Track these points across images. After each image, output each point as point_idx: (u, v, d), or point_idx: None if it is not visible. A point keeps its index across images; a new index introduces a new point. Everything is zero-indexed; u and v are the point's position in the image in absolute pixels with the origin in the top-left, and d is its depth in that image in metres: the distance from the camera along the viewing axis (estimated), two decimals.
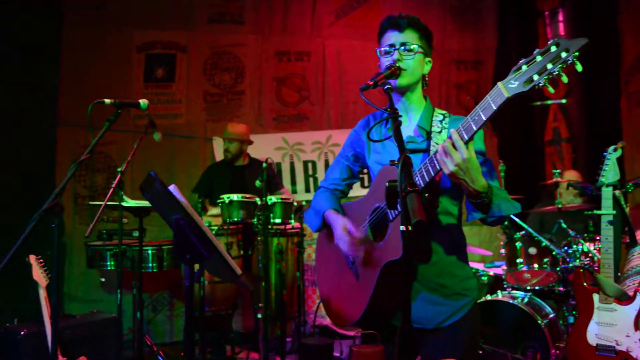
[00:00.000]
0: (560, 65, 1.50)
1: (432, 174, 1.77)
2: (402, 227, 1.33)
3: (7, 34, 5.10)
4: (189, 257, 1.86)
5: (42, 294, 3.23)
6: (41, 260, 3.31)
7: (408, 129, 2.09)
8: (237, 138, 5.06)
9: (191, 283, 1.86)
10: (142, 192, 1.98)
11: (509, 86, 1.57)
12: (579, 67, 1.48)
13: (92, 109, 2.67)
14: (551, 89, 1.55)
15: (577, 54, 1.47)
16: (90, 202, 5.02)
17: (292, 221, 4.48)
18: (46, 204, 2.30)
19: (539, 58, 1.54)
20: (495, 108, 1.59)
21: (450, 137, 1.67)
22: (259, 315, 3.85)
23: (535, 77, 1.53)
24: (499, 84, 1.59)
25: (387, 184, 1.43)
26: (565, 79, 1.50)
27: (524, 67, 1.56)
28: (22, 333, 3.29)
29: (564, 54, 1.49)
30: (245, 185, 4.90)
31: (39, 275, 3.26)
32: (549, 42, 1.53)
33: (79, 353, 3.40)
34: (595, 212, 3.38)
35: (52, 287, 2.86)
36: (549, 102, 6.13)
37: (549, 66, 1.51)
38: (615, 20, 5.85)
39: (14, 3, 5.13)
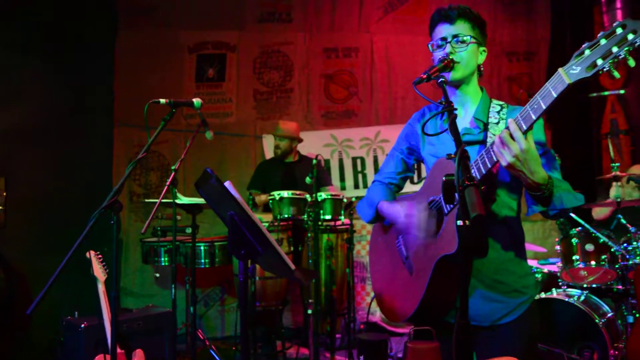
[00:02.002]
0: (627, 48, 1.42)
1: (489, 165, 1.72)
2: (459, 222, 1.31)
3: (63, 37, 5.30)
4: (244, 253, 1.88)
5: (101, 288, 3.35)
6: (100, 256, 3.43)
7: (464, 121, 2.05)
8: (288, 135, 5.11)
9: (246, 278, 1.89)
10: (197, 188, 2.03)
11: (571, 72, 1.51)
12: None
13: (142, 108, 2.75)
14: (616, 74, 1.47)
15: None
16: (145, 200, 5.17)
17: (342, 217, 4.48)
18: (106, 201, 2.38)
19: (603, 41, 1.46)
20: (555, 95, 1.53)
21: (507, 127, 1.62)
22: (309, 311, 3.87)
23: (600, 62, 1.46)
24: (560, 70, 1.53)
25: (444, 177, 1.41)
26: (632, 62, 1.43)
27: (587, 52, 1.49)
28: (83, 326, 3.42)
29: (630, 36, 1.41)
30: (296, 182, 4.94)
31: (97, 270, 3.38)
32: (614, 24, 1.45)
33: (136, 346, 3.50)
34: None
35: (111, 282, 2.96)
36: (606, 92, 5.91)
37: (614, 49, 1.44)
38: None
39: (69, 6, 5.32)
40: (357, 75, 6.15)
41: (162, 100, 2.77)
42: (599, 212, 4.64)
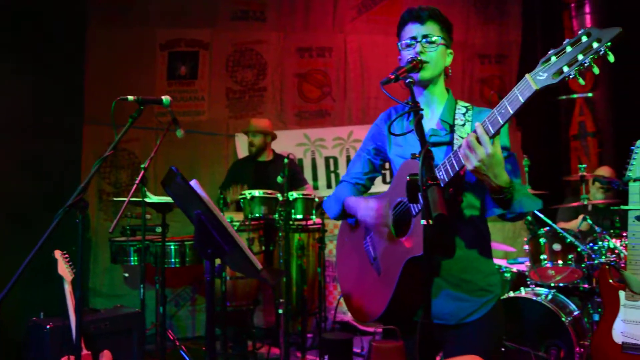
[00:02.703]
0: (591, 56, 1.44)
1: (457, 168, 1.74)
2: (423, 222, 1.32)
3: (32, 31, 5.18)
4: (210, 252, 1.86)
5: (68, 288, 3.29)
6: (66, 256, 3.36)
7: (431, 122, 2.07)
8: (261, 130, 5.08)
9: (212, 278, 1.87)
10: (164, 187, 2.00)
11: (538, 78, 1.53)
12: (611, 58, 1.42)
13: (116, 107, 2.71)
14: (581, 81, 1.49)
15: (609, 44, 1.42)
16: (115, 198, 5.09)
17: (314, 217, 4.48)
18: (71, 199, 2.34)
19: (569, 49, 1.49)
20: (522, 101, 1.55)
21: (475, 131, 1.64)
22: (280, 311, 3.86)
23: (565, 69, 1.48)
24: (527, 75, 1.55)
25: (407, 177, 1.42)
26: (596, 70, 1.45)
27: (553, 59, 1.51)
28: (48, 327, 3.35)
29: (595, 45, 1.44)
30: (269, 181, 4.91)
31: (64, 270, 3.31)
32: (580, 32, 1.47)
33: (103, 347, 3.45)
34: (622, 207, 3.31)
35: (77, 282, 2.91)
36: (575, 95, 6.02)
37: (580, 57, 1.46)
38: None
39: (39, 1, 5.20)
40: (331, 75, 6.16)
41: (130, 98, 2.73)
42: (574, 225, 4.71)
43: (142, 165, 3.68)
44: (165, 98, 2.91)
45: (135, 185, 3.58)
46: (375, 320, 2.05)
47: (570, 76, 1.49)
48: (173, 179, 1.79)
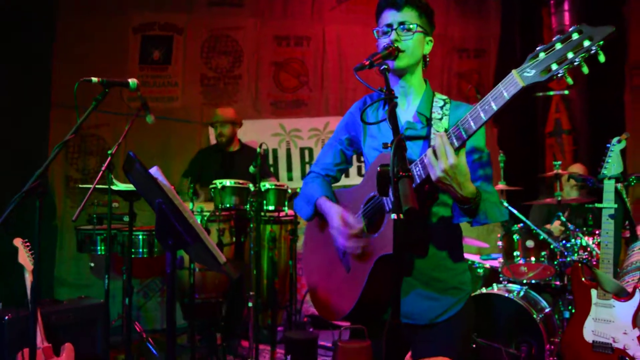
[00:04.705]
0: (582, 55, 1.37)
1: (423, 176, 1.68)
2: (394, 215, 1.24)
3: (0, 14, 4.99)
4: (172, 243, 1.77)
5: (28, 277, 3.16)
6: (27, 244, 3.23)
7: (407, 113, 1.99)
8: (229, 119, 4.97)
9: (173, 270, 1.78)
10: (126, 173, 1.90)
11: (525, 75, 1.46)
12: (602, 58, 1.36)
13: (84, 89, 2.61)
14: (570, 80, 1.42)
15: (601, 43, 1.35)
16: (81, 185, 4.94)
17: (286, 208, 4.40)
18: (27, 185, 2.22)
19: (558, 46, 1.41)
20: (508, 97, 1.48)
21: (434, 146, 1.58)
22: (250, 304, 3.77)
23: (554, 67, 1.41)
24: (514, 71, 1.47)
25: (378, 168, 1.33)
26: (586, 69, 1.38)
27: (542, 55, 1.44)
28: (7, 318, 3.24)
29: (586, 43, 1.37)
30: (235, 171, 4.80)
31: (25, 258, 3.18)
32: (571, 29, 1.40)
33: (65, 339, 3.33)
34: (597, 205, 3.29)
35: (35, 271, 2.79)
36: (552, 93, 6.02)
37: (570, 55, 1.39)
38: (621, 11, 5.72)
39: None
40: (308, 65, 6.06)
41: (94, 79, 2.60)
42: (554, 229, 4.71)
43: (109, 152, 3.55)
44: (132, 81, 2.79)
45: (101, 172, 3.44)
46: (343, 318, 1.99)
47: (560, 74, 1.41)
48: (132, 165, 1.68)
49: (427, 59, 1.99)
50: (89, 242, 4.45)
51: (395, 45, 1.84)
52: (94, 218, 4.48)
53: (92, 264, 5.00)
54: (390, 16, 1.91)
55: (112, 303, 4.43)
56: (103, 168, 3.48)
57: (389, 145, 1.37)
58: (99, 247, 4.43)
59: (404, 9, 1.90)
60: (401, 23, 1.89)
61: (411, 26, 1.89)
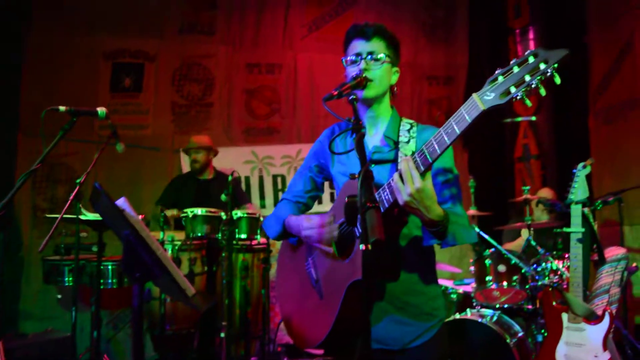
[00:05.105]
0: (538, 77, 1.40)
1: (391, 200, 1.68)
2: (362, 246, 1.24)
3: None
4: (139, 276, 1.73)
5: None
6: None
7: (374, 139, 2.01)
8: (204, 146, 4.94)
9: (140, 303, 1.73)
10: (93, 204, 1.86)
11: (485, 98, 1.48)
12: (558, 80, 1.39)
13: (53, 116, 2.58)
14: (528, 102, 1.45)
15: (556, 65, 1.39)
16: (48, 215, 4.83)
17: (259, 237, 4.36)
18: None
19: (516, 69, 1.45)
20: (470, 121, 1.50)
21: (399, 170, 1.59)
22: (222, 334, 3.70)
23: (513, 89, 1.44)
24: (474, 95, 1.50)
25: (346, 198, 1.34)
26: (543, 92, 1.41)
27: (501, 78, 1.47)
28: None
29: (542, 66, 1.40)
30: (210, 200, 4.76)
31: None
32: (526, 53, 1.43)
33: None
34: (565, 229, 3.34)
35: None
36: (519, 119, 6.16)
37: (527, 78, 1.42)
38: (583, 40, 5.91)
39: None
40: (280, 92, 6.10)
41: (62, 108, 2.57)
42: (519, 244, 4.76)
43: (78, 180, 3.48)
44: (101, 110, 2.76)
45: (69, 202, 3.37)
46: (317, 346, 1.96)
47: (518, 97, 1.44)
48: (99, 196, 1.65)
49: (395, 89, 2.01)
50: (56, 273, 4.33)
51: (364, 75, 1.86)
52: (61, 248, 4.38)
53: (59, 296, 4.86)
54: (359, 45, 1.93)
55: (80, 336, 4.29)
56: (71, 197, 3.41)
57: (356, 176, 1.37)
58: (66, 278, 4.30)
59: (373, 39, 1.93)
60: (370, 53, 1.92)
61: (380, 56, 1.92)
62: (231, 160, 5.62)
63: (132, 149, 5.27)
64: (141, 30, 5.78)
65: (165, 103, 5.81)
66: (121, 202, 1.72)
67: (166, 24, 5.85)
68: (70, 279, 4.28)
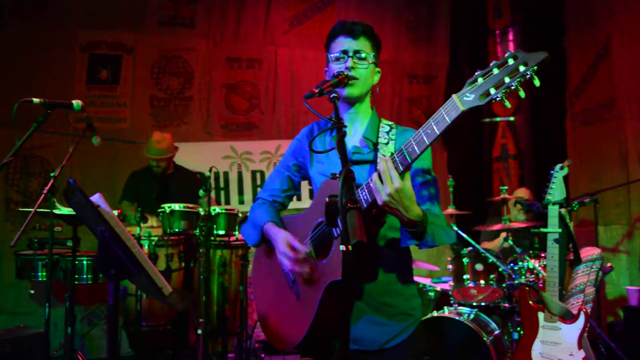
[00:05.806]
0: (518, 79, 1.42)
1: (370, 200, 1.68)
2: (342, 247, 1.23)
3: None
4: (114, 273, 1.70)
5: None
6: None
7: (354, 139, 2.00)
8: (164, 157, 4.80)
9: (115, 301, 1.70)
10: (67, 200, 1.82)
11: (465, 99, 1.49)
12: (537, 82, 1.40)
13: (27, 108, 2.51)
14: (507, 104, 1.46)
15: (535, 68, 1.40)
16: (21, 209, 4.73)
17: (237, 233, 4.32)
18: None
19: (495, 71, 1.45)
20: (449, 121, 1.50)
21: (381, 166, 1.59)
22: (199, 331, 3.67)
23: (493, 91, 1.45)
24: (454, 96, 1.50)
25: (327, 199, 1.32)
26: (522, 94, 1.42)
27: (480, 80, 1.47)
28: None
29: (522, 68, 1.41)
30: (171, 194, 4.70)
31: None
32: (506, 55, 1.44)
33: None
34: (542, 230, 3.37)
35: None
36: (498, 119, 6.21)
37: (507, 80, 1.43)
38: (561, 43, 5.98)
39: None
40: (260, 87, 6.05)
41: (36, 100, 2.51)
42: (497, 244, 4.80)
43: (52, 174, 3.41)
44: (76, 102, 2.70)
45: (43, 195, 3.30)
46: (295, 347, 1.95)
47: (498, 98, 1.45)
48: (73, 192, 1.61)
49: (377, 90, 2.01)
50: (29, 268, 4.25)
51: (346, 73, 1.85)
52: (34, 243, 4.29)
53: (32, 291, 4.76)
54: (346, 43, 1.91)
55: (54, 332, 4.22)
56: (45, 191, 3.33)
57: (337, 176, 1.35)
58: (39, 273, 4.24)
59: (360, 38, 1.92)
60: (357, 51, 1.90)
61: (365, 55, 1.91)
62: (210, 155, 5.56)
63: (109, 142, 5.19)
64: (119, 22, 5.67)
65: (144, 96, 5.71)
66: (96, 198, 1.68)
67: (145, 15, 5.74)
68: (44, 274, 4.21)
